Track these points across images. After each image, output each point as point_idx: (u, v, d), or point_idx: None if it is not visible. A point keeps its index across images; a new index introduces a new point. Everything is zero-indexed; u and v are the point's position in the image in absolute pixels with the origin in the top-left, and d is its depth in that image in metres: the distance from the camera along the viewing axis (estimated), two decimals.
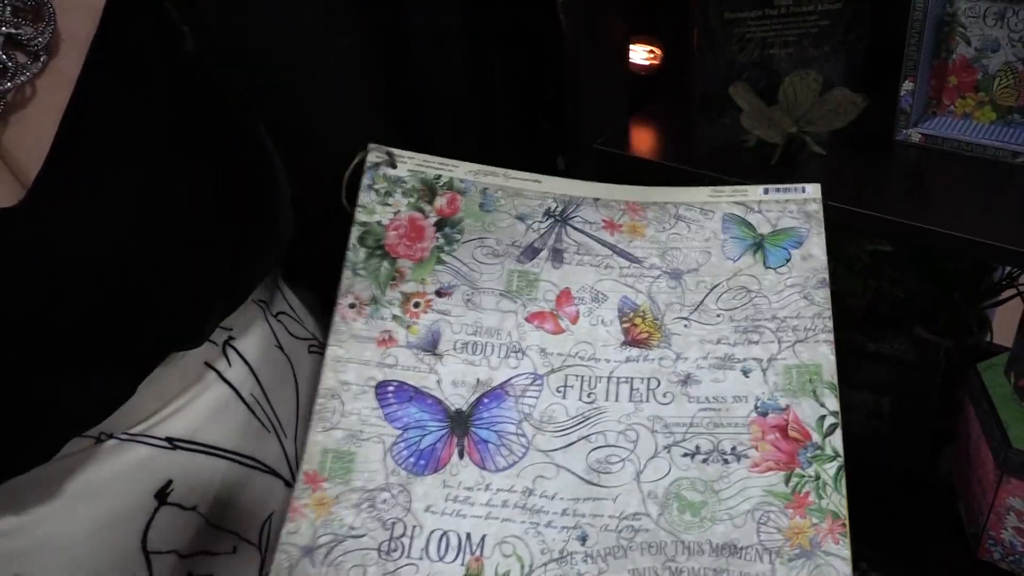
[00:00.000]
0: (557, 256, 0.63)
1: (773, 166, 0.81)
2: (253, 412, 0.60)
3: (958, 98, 0.82)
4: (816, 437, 0.57)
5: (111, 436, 0.53)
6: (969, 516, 0.93)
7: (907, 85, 0.80)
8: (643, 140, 0.92)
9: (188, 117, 0.53)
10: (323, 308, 0.71)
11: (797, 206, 0.63)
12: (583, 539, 0.56)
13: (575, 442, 0.58)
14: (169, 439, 0.55)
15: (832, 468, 0.56)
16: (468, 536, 0.56)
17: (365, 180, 0.64)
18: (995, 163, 0.79)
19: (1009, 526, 0.86)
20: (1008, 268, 1.04)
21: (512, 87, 1.20)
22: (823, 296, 0.60)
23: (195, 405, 0.57)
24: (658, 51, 1.05)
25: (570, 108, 0.90)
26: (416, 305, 0.62)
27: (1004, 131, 0.80)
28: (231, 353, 0.59)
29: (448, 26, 1.11)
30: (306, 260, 0.69)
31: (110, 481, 0.53)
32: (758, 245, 0.62)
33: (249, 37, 0.60)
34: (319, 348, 0.68)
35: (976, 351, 1.02)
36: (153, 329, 0.51)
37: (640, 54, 1.06)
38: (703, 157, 0.86)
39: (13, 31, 0.47)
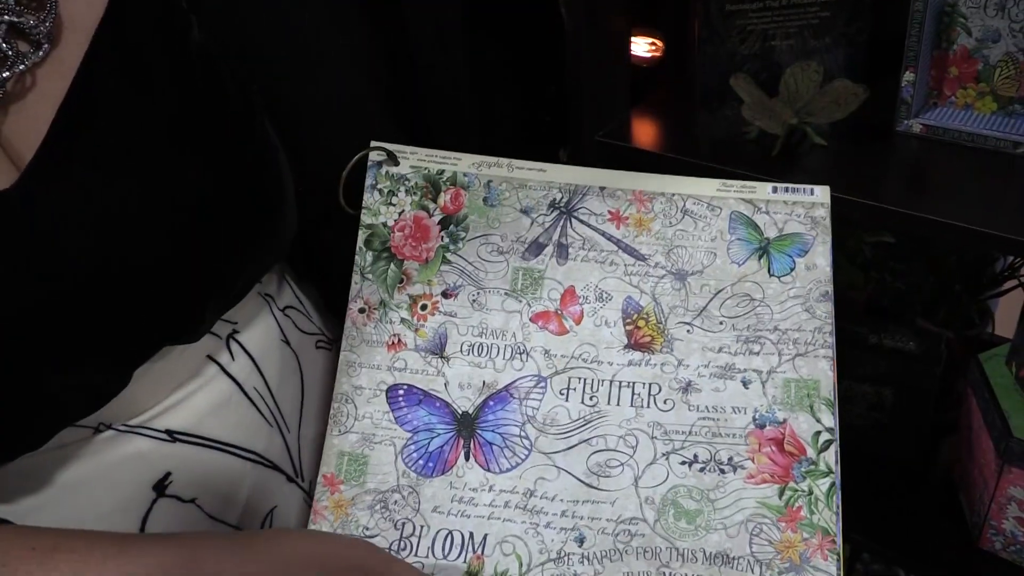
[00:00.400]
0: (562, 252, 0.63)
1: (774, 157, 0.81)
2: (256, 406, 0.60)
3: (959, 89, 0.82)
4: (811, 452, 0.57)
5: (109, 427, 0.53)
6: (970, 506, 0.93)
7: (908, 76, 0.80)
8: (645, 132, 0.92)
9: (190, 109, 0.52)
10: (326, 304, 0.71)
11: (804, 210, 0.62)
12: (580, 541, 0.57)
13: (576, 445, 0.59)
14: (168, 431, 0.55)
15: (825, 484, 0.57)
16: (471, 535, 0.57)
17: (368, 180, 0.64)
18: (996, 153, 0.79)
19: (1010, 516, 0.86)
20: (1009, 259, 1.05)
21: (513, 80, 1.20)
22: (825, 310, 0.60)
23: (196, 398, 0.57)
24: (659, 43, 1.05)
25: (572, 101, 0.90)
26: (423, 308, 0.62)
27: (1005, 121, 0.80)
28: (234, 347, 0.59)
29: (449, 21, 1.11)
30: (309, 257, 0.69)
31: (107, 471, 0.53)
32: (763, 250, 0.62)
33: (253, 32, 0.60)
34: (327, 343, 0.68)
35: (977, 342, 1.02)
36: (146, 321, 0.51)
37: (641, 46, 1.06)
38: (704, 149, 0.86)
39: (16, 19, 0.47)
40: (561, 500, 0.58)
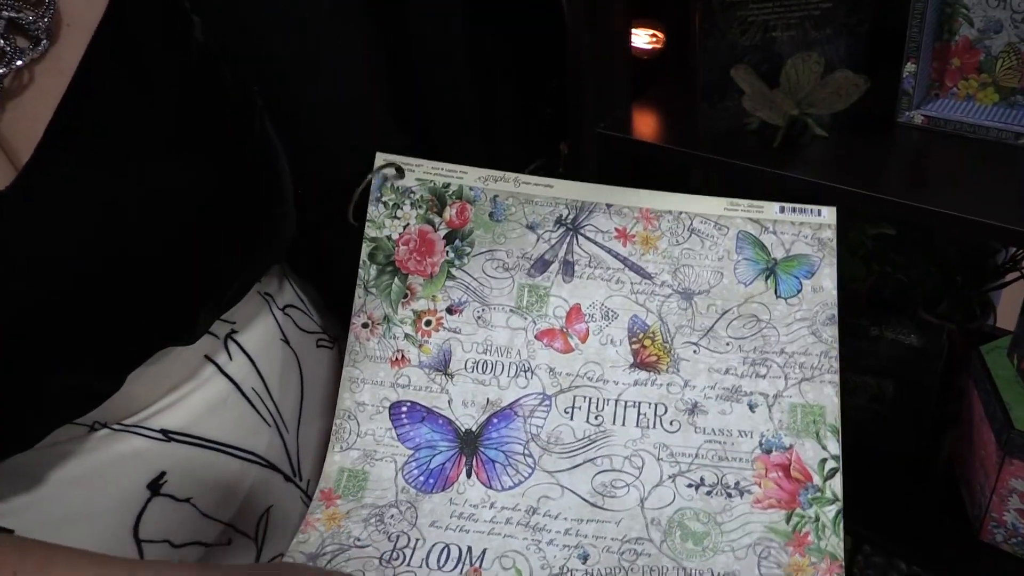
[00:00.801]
0: (568, 269, 0.62)
1: (775, 148, 0.81)
2: (253, 406, 0.60)
3: (960, 80, 0.82)
4: (817, 480, 0.57)
5: (104, 425, 0.53)
6: (971, 498, 0.93)
7: (909, 67, 0.80)
8: (646, 124, 0.92)
9: (190, 109, 0.52)
10: (326, 304, 0.71)
11: (812, 231, 0.62)
12: (584, 558, 0.56)
13: (581, 464, 0.59)
14: (164, 431, 0.55)
15: (831, 511, 0.57)
16: (469, 549, 0.57)
17: (373, 193, 0.63)
18: (998, 145, 0.79)
19: (1012, 508, 0.86)
20: (1011, 250, 1.04)
21: (514, 73, 1.20)
22: (831, 333, 0.60)
23: (192, 398, 0.56)
24: (660, 35, 1.05)
25: (573, 93, 0.90)
26: (427, 323, 0.62)
27: (1007, 112, 0.80)
28: (232, 347, 0.59)
29: (450, 14, 1.11)
30: (310, 257, 0.69)
31: (101, 470, 0.53)
32: (770, 271, 0.61)
33: (254, 34, 0.60)
34: (328, 342, 0.68)
35: (979, 334, 1.02)
36: (141, 324, 0.51)
37: (642, 38, 1.06)
38: (706, 140, 0.86)
39: (14, 15, 0.47)
40: (565, 518, 0.57)
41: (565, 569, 0.56)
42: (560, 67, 0.91)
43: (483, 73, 1.16)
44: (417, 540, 0.57)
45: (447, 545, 0.57)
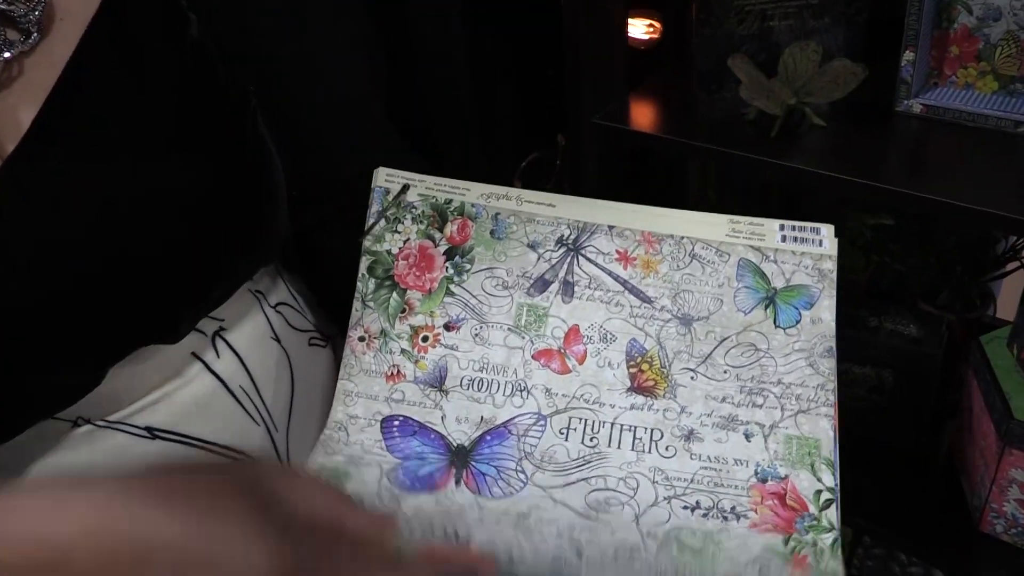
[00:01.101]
0: (568, 289, 0.62)
1: (773, 138, 0.81)
2: (241, 405, 0.59)
3: (959, 68, 0.82)
4: (813, 509, 0.57)
5: (88, 421, 0.53)
6: (971, 489, 0.93)
7: (908, 55, 0.79)
8: (643, 114, 0.91)
9: (183, 107, 0.52)
10: (320, 302, 0.71)
11: (813, 261, 0.61)
12: (579, 555, 0.56)
13: (574, 482, 0.58)
14: (149, 428, 0.54)
15: (828, 539, 0.56)
16: (456, 532, 0.56)
17: (374, 206, 0.63)
18: (997, 133, 0.78)
19: (1011, 498, 0.86)
20: (1011, 240, 1.04)
21: (512, 68, 1.20)
22: (828, 366, 0.59)
23: (179, 396, 0.56)
24: (657, 25, 1.05)
25: (570, 85, 0.90)
26: (424, 339, 0.61)
27: (1006, 101, 0.80)
28: (220, 344, 0.58)
29: (450, 14, 1.10)
30: (305, 257, 0.69)
31: (84, 466, 0.52)
32: (770, 300, 0.61)
33: (252, 34, 0.59)
34: (321, 340, 0.68)
35: (979, 325, 1.02)
36: (122, 321, 0.50)
37: (639, 29, 1.05)
38: (703, 130, 0.85)
39: (5, 7, 0.47)
40: (557, 525, 0.57)
41: (559, 558, 0.56)
42: (557, 59, 0.91)
43: (482, 70, 1.16)
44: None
45: (432, 525, 0.56)
